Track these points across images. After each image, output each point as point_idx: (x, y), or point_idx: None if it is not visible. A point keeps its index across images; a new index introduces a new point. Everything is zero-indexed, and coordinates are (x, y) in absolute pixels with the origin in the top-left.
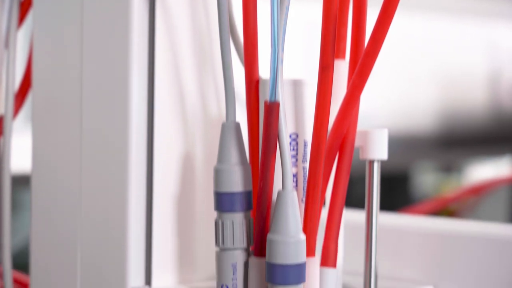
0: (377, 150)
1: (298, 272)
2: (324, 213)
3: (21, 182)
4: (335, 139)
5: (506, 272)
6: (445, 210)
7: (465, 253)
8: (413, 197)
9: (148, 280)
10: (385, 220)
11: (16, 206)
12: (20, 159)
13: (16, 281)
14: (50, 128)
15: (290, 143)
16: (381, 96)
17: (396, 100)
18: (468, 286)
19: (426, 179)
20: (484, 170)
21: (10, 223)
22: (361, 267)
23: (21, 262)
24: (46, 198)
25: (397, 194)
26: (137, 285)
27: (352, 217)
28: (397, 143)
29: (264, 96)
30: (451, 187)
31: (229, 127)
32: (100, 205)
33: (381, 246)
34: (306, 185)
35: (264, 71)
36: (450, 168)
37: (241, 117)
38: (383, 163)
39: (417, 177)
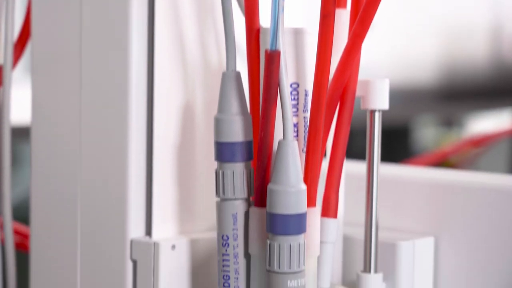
0: (378, 99)
1: (298, 222)
2: (325, 164)
3: (21, 134)
4: (336, 89)
5: (506, 223)
6: (445, 162)
7: (466, 204)
8: (413, 151)
9: (148, 231)
10: (386, 171)
11: (16, 158)
12: (20, 111)
13: (16, 232)
14: (49, 79)
15: (291, 93)
16: (382, 49)
17: (397, 53)
18: (469, 237)
19: (426, 133)
20: (485, 124)
21: (10, 175)
22: (361, 218)
23: (21, 214)
24: (46, 149)
25: (397, 147)
26: (137, 236)
27: (352, 168)
28: (397, 96)
29: (265, 45)
30: (451, 141)
31: (230, 77)
32: (100, 156)
33: (382, 197)
34: (307, 135)
35: (264, 19)
36: (450, 122)
37: (242, 66)
38: (383, 117)
39: (418, 131)
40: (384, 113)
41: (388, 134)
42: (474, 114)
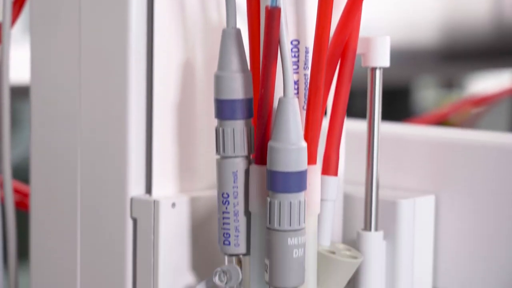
0: (379, 57)
1: (299, 179)
2: (325, 122)
3: (20, 93)
4: (337, 46)
5: (507, 181)
6: (445, 123)
7: (467, 162)
8: (413, 112)
9: (148, 189)
10: (386, 129)
11: (15, 118)
12: (19, 70)
13: (16, 191)
14: (48, 37)
15: (291, 50)
16: (383, 8)
17: (398, 13)
18: (469, 195)
19: (426, 95)
20: (485, 84)
21: (9, 133)
22: (362, 177)
23: (21, 172)
24: (45, 108)
25: (397, 109)
26: (137, 194)
27: (353, 127)
28: (398, 57)
29: (265, 1)
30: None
31: (230, 33)
32: (99, 114)
33: (382, 155)
34: (307, 92)
35: None
36: (451, 84)
37: (242, 23)
38: (383, 77)
39: (418, 92)
40: (384, 74)
41: (388, 95)
42: (474, 75)
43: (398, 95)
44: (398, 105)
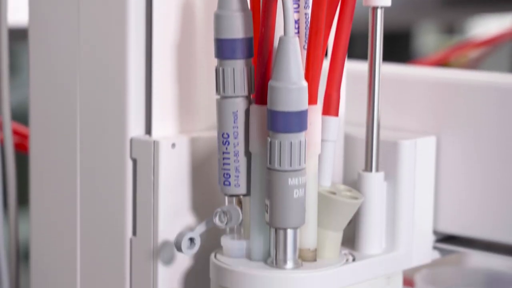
0: None
1: (299, 119)
2: (326, 63)
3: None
4: None
5: (508, 121)
6: (446, 65)
7: (469, 103)
8: (414, 57)
9: (148, 129)
10: (388, 70)
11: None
12: (17, 12)
13: (15, 132)
14: None
15: None
16: None
17: None
18: (471, 136)
19: (427, 40)
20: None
21: (8, 74)
22: (363, 118)
23: (21, 115)
24: (44, 49)
25: (398, 53)
26: (137, 134)
27: (354, 68)
28: (399, 1)
29: None
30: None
31: None
32: (99, 55)
33: (383, 96)
34: (308, 31)
35: None
36: (452, 29)
37: None
38: (384, 20)
39: (419, 37)
40: (385, 18)
41: (388, 40)
42: (476, 20)
43: (399, 40)
44: (399, 50)
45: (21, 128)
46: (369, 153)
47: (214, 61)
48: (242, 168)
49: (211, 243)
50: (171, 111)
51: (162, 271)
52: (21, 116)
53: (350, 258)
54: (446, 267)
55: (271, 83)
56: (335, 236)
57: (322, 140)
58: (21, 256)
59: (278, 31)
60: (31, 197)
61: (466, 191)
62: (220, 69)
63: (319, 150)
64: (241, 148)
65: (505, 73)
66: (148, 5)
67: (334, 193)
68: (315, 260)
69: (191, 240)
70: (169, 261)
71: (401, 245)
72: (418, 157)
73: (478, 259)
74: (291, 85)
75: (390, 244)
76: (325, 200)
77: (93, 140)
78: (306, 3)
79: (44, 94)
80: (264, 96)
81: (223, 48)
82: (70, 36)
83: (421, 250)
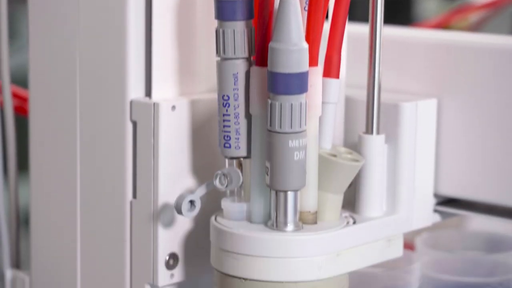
0: None
1: (300, 81)
2: (327, 25)
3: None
4: None
5: (509, 83)
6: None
7: (470, 65)
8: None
9: (148, 92)
10: (389, 32)
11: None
12: None
13: (15, 95)
14: None
15: None
16: None
17: None
18: (472, 98)
19: (429, 3)
20: None
21: (7, 38)
22: (364, 81)
23: (20, 77)
24: (43, 11)
25: (399, 16)
26: (137, 96)
27: (355, 30)
28: None
29: None
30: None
31: None
32: (98, 16)
33: (384, 58)
34: None
35: None
36: None
37: None
38: None
39: (420, 0)
40: None
41: (389, 3)
42: None
43: (400, 3)
44: (400, 13)
45: (20, 91)
46: (370, 115)
47: (214, 23)
48: (242, 130)
49: (211, 205)
50: (171, 73)
51: (162, 233)
52: (20, 79)
53: (351, 220)
54: (446, 230)
55: (271, 44)
56: (336, 199)
57: (323, 102)
58: (21, 221)
59: None
60: (31, 160)
61: (467, 153)
62: (220, 30)
63: (319, 112)
64: (241, 110)
65: (507, 35)
66: None
67: (334, 156)
68: (315, 222)
69: (191, 202)
70: (169, 223)
71: (401, 208)
72: (419, 120)
73: (479, 222)
74: (292, 46)
75: (391, 207)
76: (325, 163)
77: (93, 103)
78: None
79: (44, 57)
80: (264, 58)
81: (223, 10)
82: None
83: (421, 213)
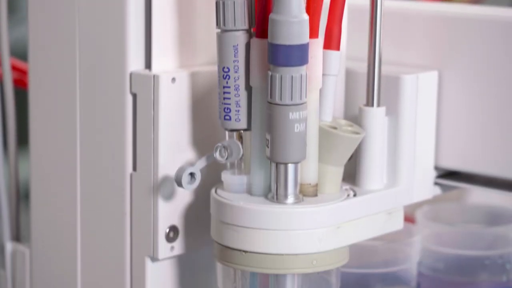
0: None
1: (301, 53)
2: None
3: None
4: None
5: (510, 56)
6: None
7: (471, 38)
8: None
9: (148, 64)
10: (389, 4)
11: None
12: None
13: (14, 68)
14: None
15: None
16: None
17: None
18: (473, 71)
19: None
20: None
21: (6, 11)
22: (365, 53)
23: (20, 50)
24: None
25: None
26: (137, 68)
27: (356, 2)
28: None
29: None
30: None
31: None
32: None
33: (385, 31)
34: None
35: None
36: None
37: None
38: None
39: None
40: None
41: None
42: None
43: None
44: None
45: (20, 64)
46: (371, 87)
47: None
48: (242, 102)
49: (211, 178)
50: (171, 45)
51: (162, 206)
52: (20, 52)
53: (351, 193)
54: (447, 203)
55: (271, 16)
56: (336, 171)
57: (323, 74)
58: (21, 194)
59: None
60: (31, 134)
61: (467, 126)
62: (220, 2)
63: (320, 84)
64: (241, 82)
65: (507, 8)
66: None
67: (335, 128)
68: (316, 195)
69: (192, 175)
70: (169, 196)
71: (402, 180)
72: (419, 92)
73: (479, 195)
74: (292, 18)
75: (391, 180)
76: (326, 135)
77: (92, 75)
78: None
79: (43, 29)
80: (265, 30)
81: None
82: None
83: (422, 185)
